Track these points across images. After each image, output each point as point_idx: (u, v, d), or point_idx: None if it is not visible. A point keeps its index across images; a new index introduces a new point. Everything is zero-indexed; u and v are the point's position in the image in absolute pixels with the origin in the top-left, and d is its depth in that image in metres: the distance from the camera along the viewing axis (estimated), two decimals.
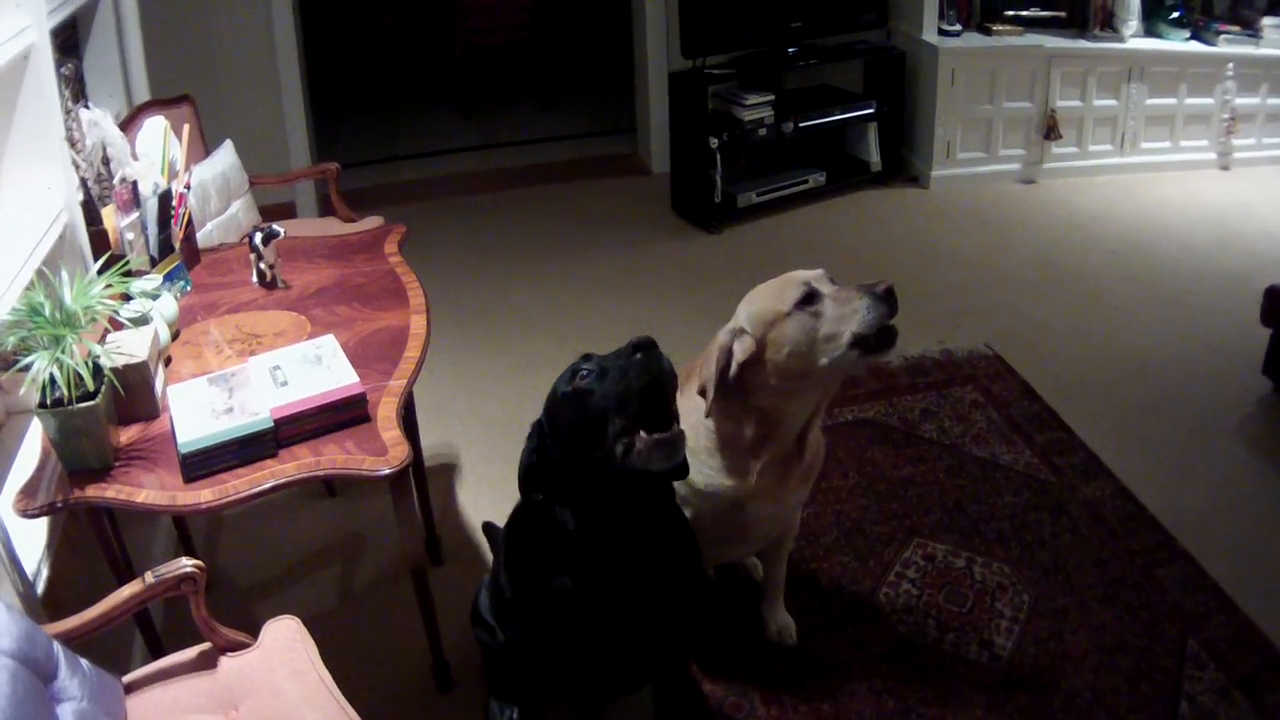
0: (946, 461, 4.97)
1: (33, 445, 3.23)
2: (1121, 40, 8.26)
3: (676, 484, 3.28)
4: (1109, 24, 8.34)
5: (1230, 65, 8.33)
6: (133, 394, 3.10)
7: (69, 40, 4.49)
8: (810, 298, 3.12)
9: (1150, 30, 8.45)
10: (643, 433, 2.67)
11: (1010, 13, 8.45)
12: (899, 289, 3.09)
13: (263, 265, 3.94)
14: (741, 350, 3.17)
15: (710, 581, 4.19)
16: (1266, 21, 8.30)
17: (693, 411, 3.31)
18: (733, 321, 3.25)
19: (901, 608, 4.11)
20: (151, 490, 2.90)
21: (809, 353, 3.10)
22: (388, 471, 2.99)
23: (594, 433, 2.71)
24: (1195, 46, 8.36)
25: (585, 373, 2.76)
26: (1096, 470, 4.89)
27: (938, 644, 3.95)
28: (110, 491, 2.89)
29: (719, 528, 3.48)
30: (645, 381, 2.65)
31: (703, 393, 3.23)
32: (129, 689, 2.78)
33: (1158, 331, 6.22)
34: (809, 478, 3.56)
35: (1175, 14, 8.35)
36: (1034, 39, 8.24)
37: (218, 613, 2.91)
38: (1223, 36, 8.30)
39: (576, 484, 2.82)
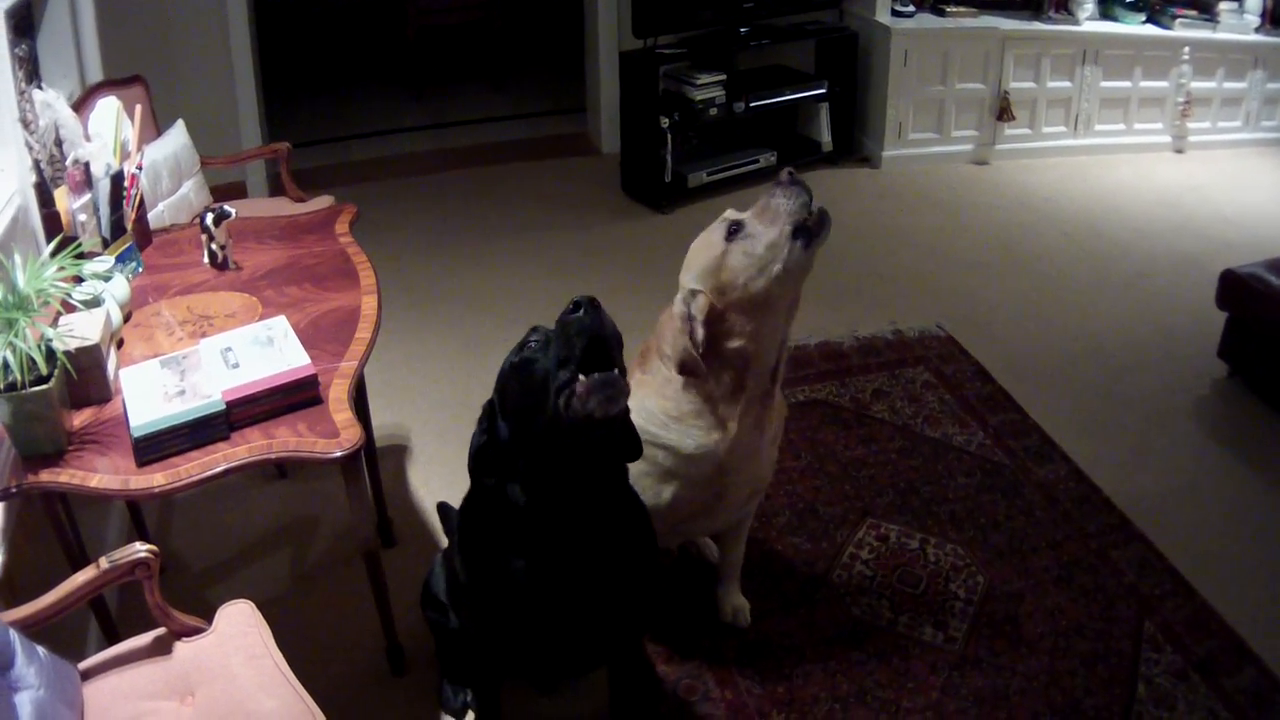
0: (899, 442, 4.98)
1: None
2: (1076, 23, 8.33)
3: (662, 458, 3.39)
4: (1064, 6, 8.39)
5: (1186, 49, 8.41)
6: (85, 377, 3.07)
7: (24, 21, 4.45)
8: (735, 226, 3.28)
9: (1105, 13, 8.53)
10: (582, 376, 2.66)
11: None
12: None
13: (214, 246, 3.91)
14: (699, 309, 3.24)
15: (671, 555, 4.20)
16: (1224, 6, 8.40)
17: (667, 384, 3.39)
18: (680, 292, 3.32)
19: (855, 589, 4.13)
20: (105, 475, 2.88)
21: (763, 270, 3.21)
22: (339, 454, 2.99)
23: (538, 398, 2.69)
24: (1151, 30, 8.45)
25: (532, 343, 2.75)
26: (1050, 452, 4.92)
27: (892, 625, 3.97)
28: (64, 476, 2.87)
29: (700, 497, 3.52)
30: (586, 339, 2.65)
31: (687, 370, 3.29)
32: (85, 676, 2.76)
33: (1112, 314, 6.27)
34: (780, 423, 3.63)
35: None
36: (988, 20, 8.28)
37: (172, 597, 2.89)
38: (1179, 20, 8.39)
39: (526, 457, 2.80)
